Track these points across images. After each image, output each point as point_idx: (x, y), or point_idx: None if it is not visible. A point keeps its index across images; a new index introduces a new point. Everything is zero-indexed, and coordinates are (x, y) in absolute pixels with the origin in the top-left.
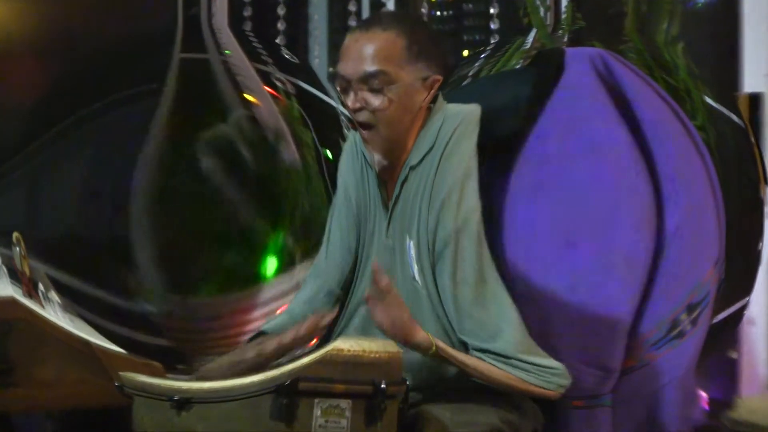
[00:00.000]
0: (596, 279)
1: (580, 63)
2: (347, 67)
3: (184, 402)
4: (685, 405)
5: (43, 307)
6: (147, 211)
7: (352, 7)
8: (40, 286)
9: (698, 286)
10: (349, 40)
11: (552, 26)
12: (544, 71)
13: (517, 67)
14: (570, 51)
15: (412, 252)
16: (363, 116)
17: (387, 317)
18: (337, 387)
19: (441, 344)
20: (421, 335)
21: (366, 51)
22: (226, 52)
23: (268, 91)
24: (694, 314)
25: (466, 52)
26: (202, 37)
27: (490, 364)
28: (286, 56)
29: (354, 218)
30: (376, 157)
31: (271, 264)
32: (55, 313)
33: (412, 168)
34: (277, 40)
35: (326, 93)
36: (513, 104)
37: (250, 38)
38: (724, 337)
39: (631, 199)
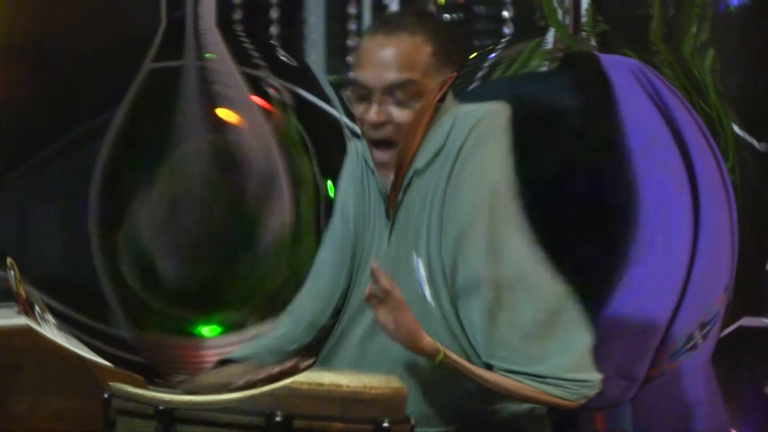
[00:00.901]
0: (646, 294)
1: (623, 74)
2: (369, 75)
3: (168, 415)
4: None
5: (40, 326)
6: (100, 246)
7: (351, 9)
8: (36, 308)
9: (710, 307)
10: (370, 43)
11: (572, 28)
12: (584, 78)
13: (543, 69)
14: (605, 59)
15: (422, 272)
16: (385, 132)
17: (391, 319)
18: (335, 426)
19: (450, 353)
20: (428, 340)
21: (391, 57)
22: (207, 55)
23: (258, 103)
24: (705, 330)
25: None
26: (183, 42)
27: (518, 381)
28: (283, 58)
29: (351, 241)
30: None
31: (215, 329)
32: (51, 333)
33: (417, 173)
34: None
35: (330, 103)
36: (561, 109)
37: (241, 38)
38: (757, 371)
39: (680, 219)
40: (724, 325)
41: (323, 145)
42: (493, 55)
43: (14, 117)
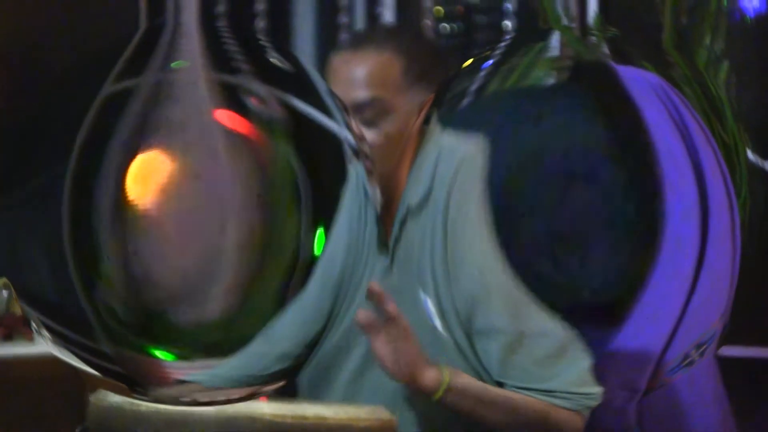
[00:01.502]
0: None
1: (647, 94)
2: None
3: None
4: None
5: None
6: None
7: (343, 18)
8: (33, 325)
9: (705, 332)
10: (336, 61)
11: (579, 31)
12: (601, 95)
13: (548, 81)
14: (624, 72)
15: (431, 309)
16: None
17: (391, 350)
18: None
19: (459, 382)
20: (430, 375)
21: (356, 75)
22: (175, 65)
23: (232, 126)
24: (701, 350)
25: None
26: (150, 54)
27: (528, 396)
28: (274, 61)
29: (338, 276)
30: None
31: (168, 355)
32: (48, 347)
33: (411, 212)
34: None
35: (331, 115)
36: (576, 139)
37: (222, 36)
38: None
39: (687, 251)
40: (722, 343)
41: (319, 180)
42: (488, 62)
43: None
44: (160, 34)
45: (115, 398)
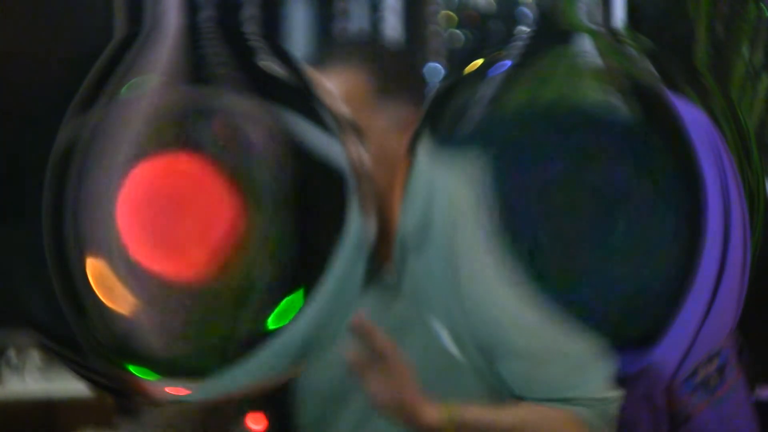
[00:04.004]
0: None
1: (700, 135)
2: None
3: None
4: None
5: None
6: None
7: (341, 24)
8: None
9: (714, 346)
10: None
11: (608, 36)
12: (668, 134)
13: (599, 101)
14: (679, 105)
15: (446, 337)
16: None
17: (384, 388)
18: None
19: (468, 417)
20: (432, 413)
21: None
22: (129, 85)
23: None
24: (716, 367)
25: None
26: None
27: (548, 407)
28: (264, 69)
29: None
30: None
31: (149, 374)
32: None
33: (411, 247)
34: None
35: (332, 132)
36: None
37: (203, 39)
38: None
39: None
40: (751, 372)
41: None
42: (500, 67)
43: None
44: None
45: None
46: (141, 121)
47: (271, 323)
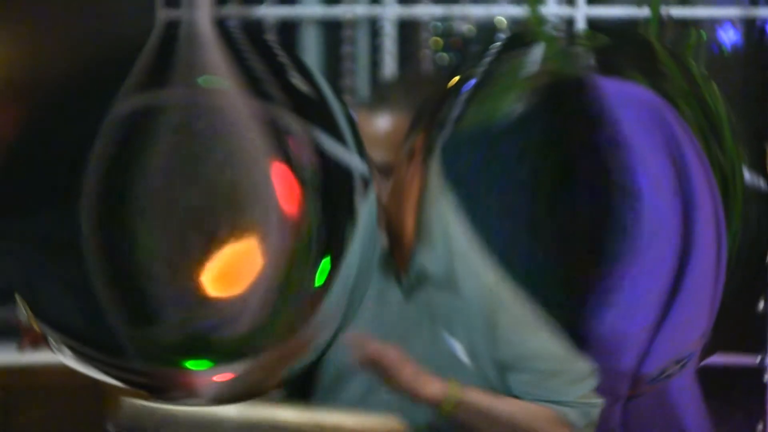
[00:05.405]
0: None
1: (633, 110)
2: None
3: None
4: None
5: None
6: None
7: (347, 47)
8: (51, 342)
9: (685, 349)
10: (359, 116)
11: (565, 42)
12: (577, 122)
13: (517, 108)
14: (609, 86)
15: (462, 354)
16: None
17: (388, 377)
18: None
19: (468, 398)
20: (433, 389)
21: (373, 135)
22: (202, 80)
23: (283, 182)
24: (681, 364)
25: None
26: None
27: (538, 405)
28: (297, 84)
29: (350, 293)
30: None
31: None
32: (68, 361)
33: (434, 283)
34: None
35: (345, 143)
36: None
37: (241, 47)
38: (750, 409)
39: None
40: (705, 355)
41: (332, 217)
42: (471, 82)
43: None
44: (173, 42)
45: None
46: (234, 127)
47: (318, 280)
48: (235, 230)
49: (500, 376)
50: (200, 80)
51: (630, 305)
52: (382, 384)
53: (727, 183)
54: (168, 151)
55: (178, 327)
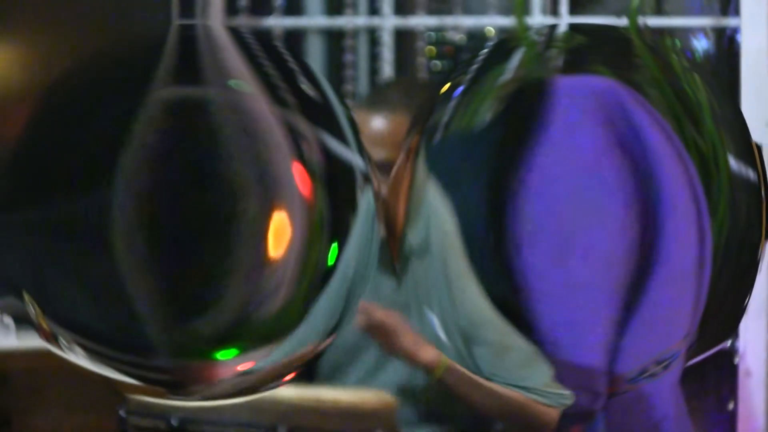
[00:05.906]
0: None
1: (579, 97)
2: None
3: (180, 430)
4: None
5: (65, 353)
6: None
7: (348, 56)
8: (62, 341)
9: (667, 350)
10: (358, 116)
11: (543, 46)
12: (530, 117)
13: (488, 115)
14: (564, 82)
15: (437, 324)
16: None
17: (388, 341)
18: None
19: (457, 366)
20: (428, 354)
21: (372, 134)
22: (234, 83)
23: (300, 180)
24: (664, 364)
25: None
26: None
27: (512, 390)
28: (306, 89)
29: (351, 280)
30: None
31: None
32: (77, 359)
33: (415, 253)
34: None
35: (347, 142)
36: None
37: (257, 54)
38: (721, 390)
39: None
40: (696, 353)
41: (337, 207)
42: (459, 89)
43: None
44: (193, 44)
45: None
46: (265, 126)
47: (330, 260)
48: (272, 207)
49: (467, 350)
50: (231, 83)
51: (580, 298)
52: (382, 348)
53: (707, 164)
54: (209, 144)
55: (236, 310)
